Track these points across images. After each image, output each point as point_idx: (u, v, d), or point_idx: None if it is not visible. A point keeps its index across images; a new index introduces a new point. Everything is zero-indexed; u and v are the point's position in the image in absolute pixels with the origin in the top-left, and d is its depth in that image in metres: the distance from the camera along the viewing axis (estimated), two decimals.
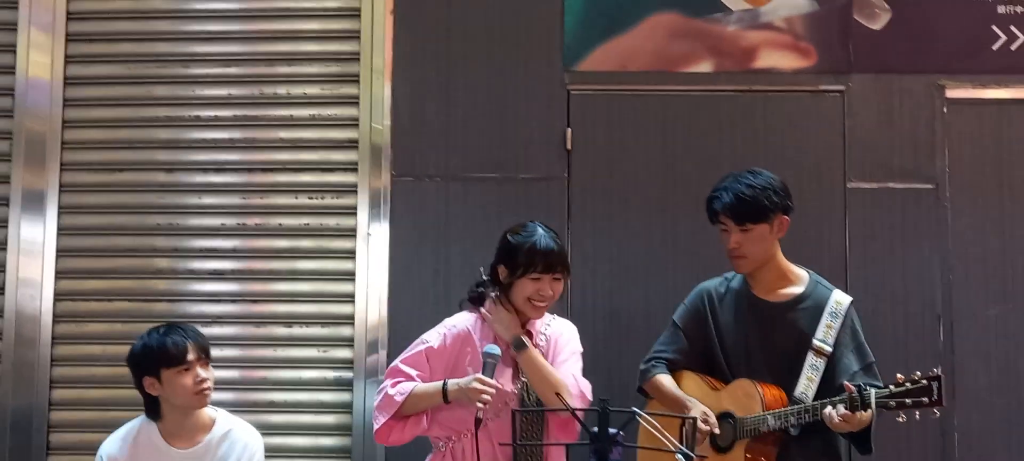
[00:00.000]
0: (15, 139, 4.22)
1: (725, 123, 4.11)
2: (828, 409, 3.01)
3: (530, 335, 3.25)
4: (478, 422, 2.97)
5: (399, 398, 3.16)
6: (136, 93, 4.28)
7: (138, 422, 3.28)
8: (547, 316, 3.34)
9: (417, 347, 3.27)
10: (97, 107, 4.28)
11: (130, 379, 3.38)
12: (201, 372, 3.20)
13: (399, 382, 3.21)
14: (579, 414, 2.88)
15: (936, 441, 3.92)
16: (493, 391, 3.01)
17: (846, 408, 2.97)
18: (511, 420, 2.77)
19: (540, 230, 3.21)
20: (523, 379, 3.20)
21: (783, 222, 3.24)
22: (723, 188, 3.25)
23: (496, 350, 3.07)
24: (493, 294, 3.27)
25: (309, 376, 4.15)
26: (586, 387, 3.20)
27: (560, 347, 3.27)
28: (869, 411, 2.97)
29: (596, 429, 2.71)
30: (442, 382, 3.14)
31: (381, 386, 3.28)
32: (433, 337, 3.27)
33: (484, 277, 3.31)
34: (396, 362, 3.29)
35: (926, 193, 4.04)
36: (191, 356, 3.18)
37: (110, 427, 3.47)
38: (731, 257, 3.26)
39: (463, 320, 3.30)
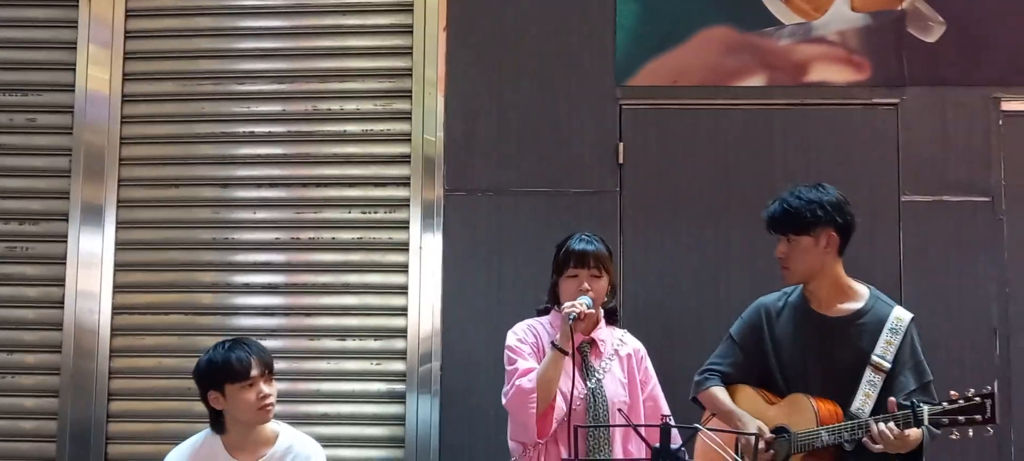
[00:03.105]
0: (74, 155, 4.30)
1: (777, 137, 4.11)
2: (879, 426, 2.99)
3: (594, 343, 3.35)
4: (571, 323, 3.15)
5: (529, 384, 3.20)
6: (192, 110, 4.35)
7: (203, 435, 3.31)
8: (618, 330, 3.45)
9: (517, 347, 3.34)
10: (154, 124, 4.35)
11: (187, 391, 3.46)
12: (264, 388, 3.22)
13: (526, 374, 3.26)
14: (641, 431, 2.90)
15: (993, 455, 3.89)
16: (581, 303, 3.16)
17: (898, 425, 2.95)
18: (572, 436, 2.78)
19: (581, 235, 3.38)
20: (590, 385, 3.26)
21: (830, 237, 3.19)
22: (777, 198, 3.27)
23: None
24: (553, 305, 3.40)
25: (362, 388, 4.19)
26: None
27: (642, 366, 3.42)
28: (918, 430, 2.95)
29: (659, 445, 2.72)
30: (549, 348, 3.24)
31: (507, 390, 3.29)
32: (512, 341, 3.38)
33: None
34: (515, 367, 3.30)
35: (982, 206, 4.03)
36: (255, 372, 3.20)
37: (167, 439, 3.53)
38: (780, 267, 3.28)
39: (525, 322, 3.45)
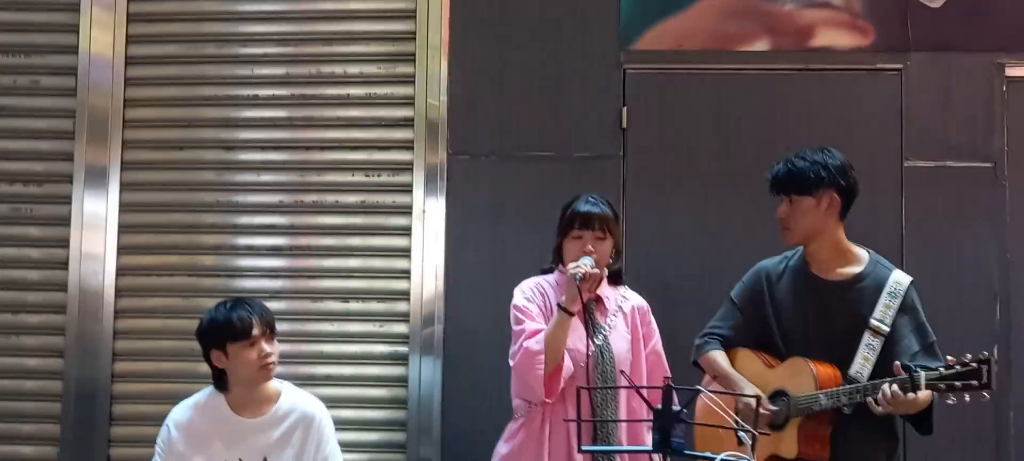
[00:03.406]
0: (78, 117, 4.30)
1: (781, 102, 4.11)
2: (884, 389, 3.01)
3: (599, 300, 3.39)
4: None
5: (537, 346, 3.25)
6: (195, 72, 4.34)
7: (206, 392, 3.34)
8: (622, 288, 3.49)
9: (524, 307, 3.37)
10: (158, 86, 4.35)
11: (190, 352, 3.48)
12: (266, 347, 3.25)
13: (534, 335, 3.30)
14: (644, 392, 2.92)
15: (991, 418, 3.91)
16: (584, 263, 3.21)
17: (896, 389, 2.96)
18: (576, 397, 2.80)
19: (587, 197, 3.41)
20: (597, 342, 3.29)
21: (833, 199, 3.21)
22: (783, 159, 3.28)
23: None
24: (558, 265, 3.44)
25: (365, 350, 4.21)
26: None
27: (646, 320, 3.47)
28: (921, 393, 2.96)
29: (660, 407, 2.73)
30: (556, 310, 3.27)
31: (515, 350, 3.33)
32: (520, 300, 3.41)
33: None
34: (522, 327, 3.34)
35: (984, 172, 4.03)
36: (256, 331, 3.23)
37: (171, 399, 3.54)
38: (781, 228, 3.29)
39: (532, 279, 3.48)
